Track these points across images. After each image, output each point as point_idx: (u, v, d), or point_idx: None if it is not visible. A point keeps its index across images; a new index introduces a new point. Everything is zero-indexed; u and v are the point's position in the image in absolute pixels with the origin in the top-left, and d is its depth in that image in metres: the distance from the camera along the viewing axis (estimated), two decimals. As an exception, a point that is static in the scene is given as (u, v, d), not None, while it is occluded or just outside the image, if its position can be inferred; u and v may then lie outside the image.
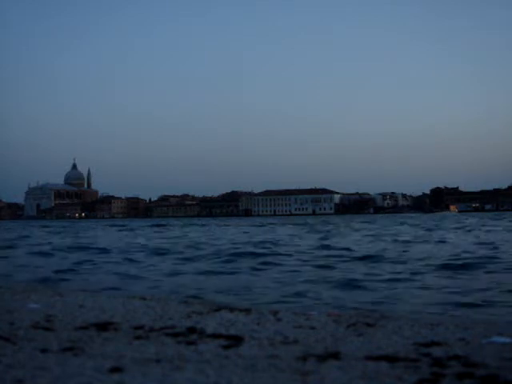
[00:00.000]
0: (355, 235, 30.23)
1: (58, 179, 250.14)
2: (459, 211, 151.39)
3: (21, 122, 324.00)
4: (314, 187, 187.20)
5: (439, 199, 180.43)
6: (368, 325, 4.03)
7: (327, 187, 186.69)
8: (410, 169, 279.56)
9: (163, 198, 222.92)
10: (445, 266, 11.77)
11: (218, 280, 10.55)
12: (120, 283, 9.97)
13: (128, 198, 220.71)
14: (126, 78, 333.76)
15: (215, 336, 3.52)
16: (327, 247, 19.40)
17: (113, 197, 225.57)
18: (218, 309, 4.84)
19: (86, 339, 3.39)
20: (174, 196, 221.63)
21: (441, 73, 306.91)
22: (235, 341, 3.37)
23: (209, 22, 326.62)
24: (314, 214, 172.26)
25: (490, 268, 11.41)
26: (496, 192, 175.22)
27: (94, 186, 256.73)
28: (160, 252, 18.39)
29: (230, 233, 37.60)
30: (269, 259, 14.62)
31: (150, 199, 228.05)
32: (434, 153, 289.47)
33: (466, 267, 11.51)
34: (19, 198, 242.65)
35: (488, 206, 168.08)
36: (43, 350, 3.03)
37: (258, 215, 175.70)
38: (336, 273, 11.16)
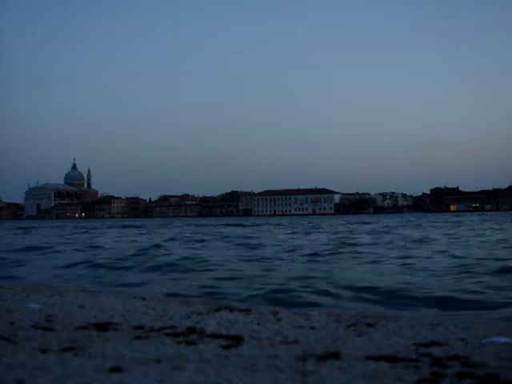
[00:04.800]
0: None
1: (58, 179, 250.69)
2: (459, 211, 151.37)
3: (21, 122, 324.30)
4: (314, 187, 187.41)
5: (439, 199, 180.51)
6: (368, 325, 4.03)
7: (327, 187, 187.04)
8: (409, 169, 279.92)
9: (163, 198, 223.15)
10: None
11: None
12: None
13: (128, 198, 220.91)
14: (125, 78, 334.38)
15: (215, 336, 3.52)
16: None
17: (113, 197, 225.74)
18: (218, 309, 4.84)
19: (85, 339, 3.38)
20: (173, 196, 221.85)
21: (441, 73, 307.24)
22: (235, 341, 3.37)
23: (209, 23, 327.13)
24: (313, 213, 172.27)
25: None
26: (496, 192, 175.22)
27: (93, 186, 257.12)
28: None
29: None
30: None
31: (149, 199, 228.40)
32: (433, 153, 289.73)
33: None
34: (19, 198, 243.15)
35: (488, 206, 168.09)
36: (43, 350, 3.03)
37: (258, 215, 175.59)
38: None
